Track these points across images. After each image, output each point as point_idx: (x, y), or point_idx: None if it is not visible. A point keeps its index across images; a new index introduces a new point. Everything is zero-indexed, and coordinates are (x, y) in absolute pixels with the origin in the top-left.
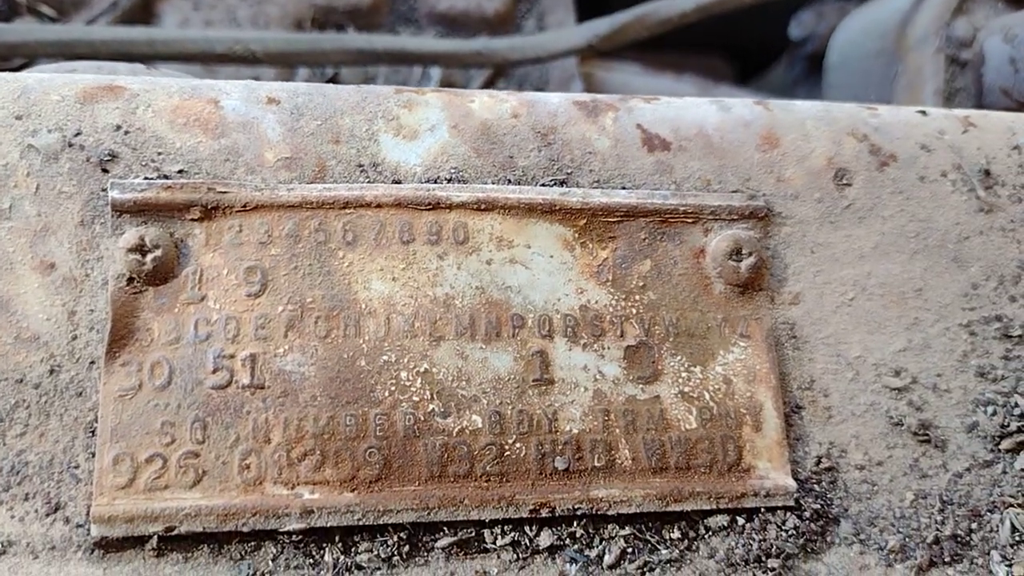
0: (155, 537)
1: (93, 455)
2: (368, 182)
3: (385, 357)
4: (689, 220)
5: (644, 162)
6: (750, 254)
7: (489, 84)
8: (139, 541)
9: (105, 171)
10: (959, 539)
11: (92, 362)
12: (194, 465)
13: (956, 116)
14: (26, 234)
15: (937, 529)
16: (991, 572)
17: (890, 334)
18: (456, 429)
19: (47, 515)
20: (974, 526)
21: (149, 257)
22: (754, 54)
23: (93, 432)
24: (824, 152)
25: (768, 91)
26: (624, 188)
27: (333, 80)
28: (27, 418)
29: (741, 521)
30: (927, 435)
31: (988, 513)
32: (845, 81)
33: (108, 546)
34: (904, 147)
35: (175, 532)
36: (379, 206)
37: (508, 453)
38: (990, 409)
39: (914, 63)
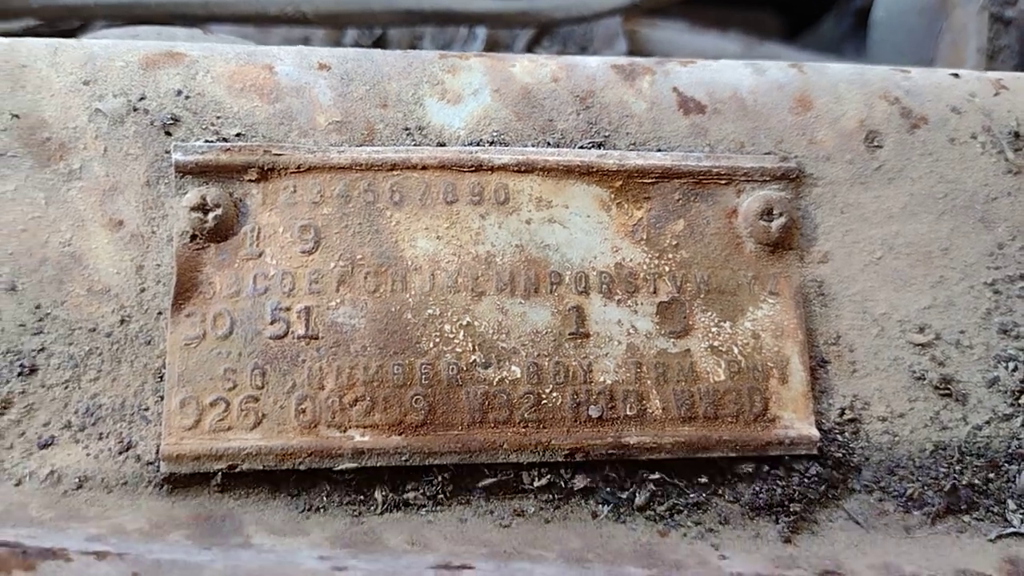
0: (219, 474)
1: (161, 399)
2: (414, 145)
3: (430, 311)
4: (722, 181)
5: (679, 125)
6: (781, 214)
7: (534, 43)
8: (204, 478)
9: (168, 134)
10: (976, 488)
11: (159, 313)
12: (254, 409)
13: (988, 79)
14: (96, 193)
15: (955, 478)
16: (1006, 519)
17: (916, 292)
18: (496, 379)
19: (119, 453)
20: (991, 476)
21: (211, 215)
22: (802, 8)
23: (161, 378)
24: (856, 114)
25: (816, 46)
26: (659, 150)
27: (380, 39)
28: (100, 364)
29: (766, 468)
30: (949, 389)
31: (1006, 464)
32: (889, 37)
33: (176, 482)
34: (935, 109)
35: (237, 470)
36: (424, 168)
37: (545, 401)
38: (1011, 365)
39: (958, 20)
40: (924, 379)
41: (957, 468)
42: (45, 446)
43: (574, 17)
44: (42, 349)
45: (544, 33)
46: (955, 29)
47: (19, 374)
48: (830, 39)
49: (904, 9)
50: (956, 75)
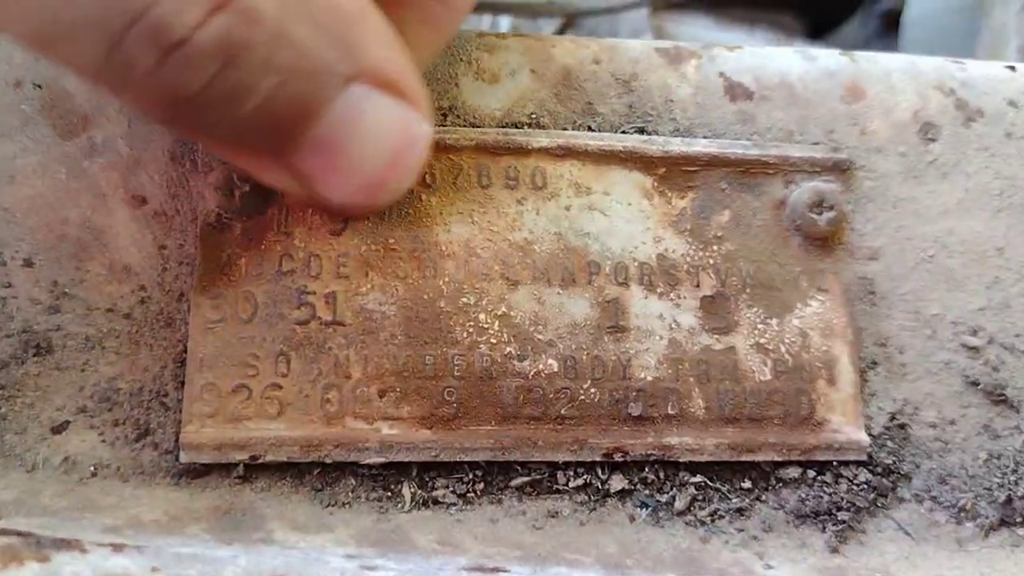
0: (240, 465)
1: (181, 384)
2: (448, 125)
3: (464, 299)
4: (770, 171)
5: (726, 111)
6: (831, 207)
7: (558, 35)
8: (224, 469)
9: None
10: None
11: (181, 294)
12: (278, 397)
13: None
14: (118, 169)
15: (1010, 489)
16: None
17: (969, 293)
18: (532, 372)
19: (136, 440)
20: None
21: (237, 194)
22: (825, 11)
23: (181, 362)
24: (910, 105)
25: (841, 49)
26: (705, 137)
27: None
28: (118, 347)
29: (812, 473)
30: (1003, 395)
31: None
32: (923, 37)
33: (195, 473)
34: (991, 103)
35: (260, 461)
36: (458, 149)
37: (582, 397)
38: None
39: (997, 20)
40: (977, 384)
41: (1012, 479)
42: (59, 431)
43: (601, 8)
44: (58, 328)
45: (569, 24)
46: (994, 29)
47: (34, 354)
48: (854, 42)
49: (939, 9)
50: (1012, 68)
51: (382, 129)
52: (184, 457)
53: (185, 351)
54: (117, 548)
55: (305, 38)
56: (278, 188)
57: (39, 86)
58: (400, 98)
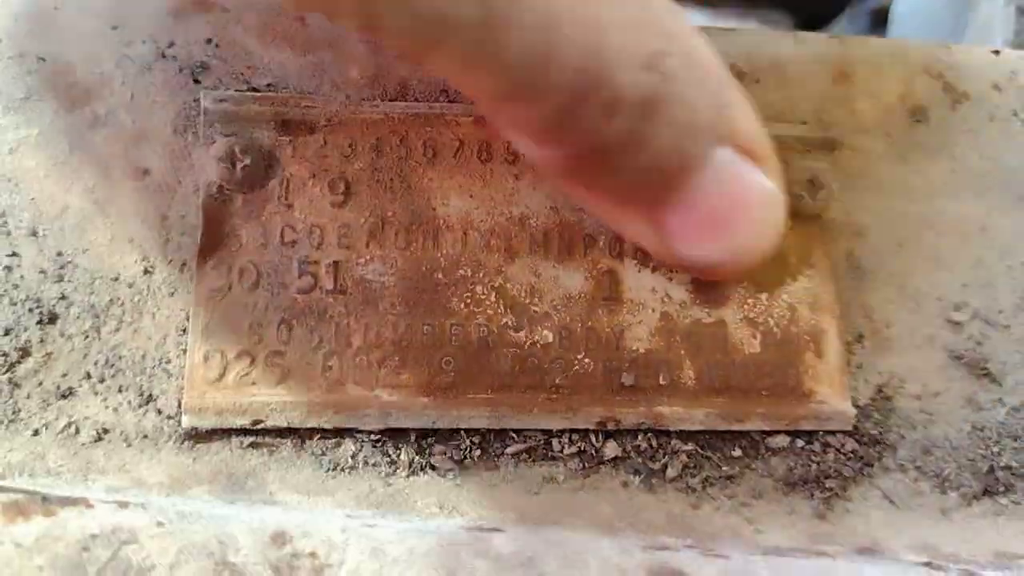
0: (242, 430)
1: (184, 352)
2: (448, 101)
3: (461, 271)
4: None
5: None
6: (821, 186)
7: None
8: (226, 434)
9: (197, 82)
10: (1013, 470)
11: (183, 264)
12: (280, 364)
13: None
14: (121, 140)
15: (992, 460)
16: None
17: (954, 270)
18: (527, 343)
19: (140, 406)
20: None
21: (239, 166)
22: (815, 8)
23: (184, 330)
24: (898, 88)
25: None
26: None
27: None
28: (121, 315)
29: (800, 443)
30: (986, 369)
31: None
32: (911, 33)
33: (198, 437)
34: (977, 86)
35: (261, 426)
36: (458, 124)
37: (576, 367)
38: None
39: (983, 13)
40: (961, 358)
41: (995, 449)
42: (63, 396)
43: None
44: (63, 297)
45: None
46: (980, 22)
47: (38, 322)
48: None
49: (928, 3)
50: (997, 52)
51: (746, 193)
52: (187, 422)
53: (188, 319)
54: (122, 505)
55: (696, 97)
56: (636, 243)
57: (42, 59)
58: (760, 164)
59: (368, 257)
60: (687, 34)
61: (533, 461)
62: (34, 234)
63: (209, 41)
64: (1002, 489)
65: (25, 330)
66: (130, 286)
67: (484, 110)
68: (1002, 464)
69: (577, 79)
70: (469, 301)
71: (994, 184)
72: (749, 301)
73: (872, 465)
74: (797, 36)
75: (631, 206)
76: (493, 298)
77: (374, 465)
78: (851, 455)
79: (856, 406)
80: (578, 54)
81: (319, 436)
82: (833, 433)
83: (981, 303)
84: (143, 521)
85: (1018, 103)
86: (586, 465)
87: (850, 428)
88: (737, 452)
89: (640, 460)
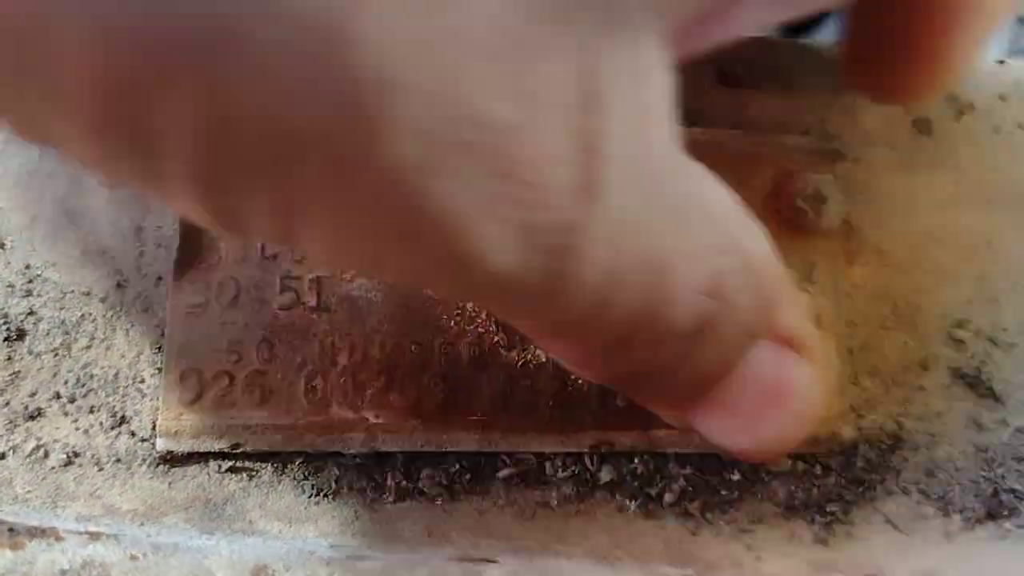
0: (220, 454)
1: (159, 370)
2: None
3: None
4: (763, 161)
5: (718, 99)
6: (823, 199)
7: None
8: (203, 458)
9: None
10: (1017, 493)
11: (159, 278)
12: (261, 384)
13: None
14: None
15: (996, 483)
16: None
17: (957, 286)
18: (520, 362)
19: (112, 428)
20: None
21: None
22: (802, 22)
23: (159, 348)
24: None
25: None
26: (696, 125)
27: None
28: (93, 331)
29: (801, 466)
30: (989, 389)
31: None
32: None
33: (173, 461)
34: (981, 97)
35: (241, 449)
36: None
37: (570, 388)
38: None
39: None
40: (964, 378)
41: (999, 471)
42: (31, 418)
43: None
44: (31, 313)
45: None
46: None
47: (5, 339)
48: (832, 43)
49: None
50: (1002, 62)
51: (781, 387)
52: (161, 445)
53: (163, 336)
54: (94, 536)
55: (748, 310)
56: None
57: None
58: (798, 353)
59: (353, 272)
60: (745, 239)
61: (526, 485)
62: (1, 246)
63: None
64: (1006, 513)
65: None
66: (102, 301)
67: (522, 331)
68: (1006, 487)
69: (632, 319)
70: (459, 319)
71: (1000, 197)
72: None
73: (874, 488)
74: (800, 44)
75: (655, 405)
76: (484, 315)
77: (359, 490)
78: (853, 479)
79: (858, 428)
80: (639, 297)
81: (301, 460)
82: (834, 455)
83: (985, 321)
84: (116, 556)
85: (1023, 115)
86: (580, 490)
87: (851, 450)
88: (736, 476)
89: (636, 484)
